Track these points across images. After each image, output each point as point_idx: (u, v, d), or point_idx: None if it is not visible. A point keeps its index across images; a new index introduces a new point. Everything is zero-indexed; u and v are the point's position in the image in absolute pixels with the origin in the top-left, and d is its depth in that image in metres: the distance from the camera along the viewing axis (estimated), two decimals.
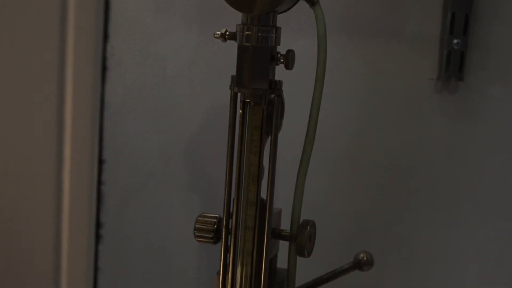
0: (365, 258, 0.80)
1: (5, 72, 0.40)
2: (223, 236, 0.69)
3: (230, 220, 0.69)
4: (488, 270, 0.99)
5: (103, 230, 0.37)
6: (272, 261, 0.72)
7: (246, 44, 0.66)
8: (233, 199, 0.69)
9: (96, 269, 0.37)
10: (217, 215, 0.71)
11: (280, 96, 0.67)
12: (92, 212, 0.37)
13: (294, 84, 0.72)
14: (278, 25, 0.66)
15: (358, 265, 0.80)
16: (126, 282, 0.92)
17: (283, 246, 0.73)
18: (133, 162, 0.92)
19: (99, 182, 0.35)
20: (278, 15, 0.67)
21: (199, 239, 0.71)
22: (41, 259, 0.38)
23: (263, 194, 0.69)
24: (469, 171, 0.96)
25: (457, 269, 0.98)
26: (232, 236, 0.69)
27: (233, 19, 0.66)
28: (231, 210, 0.69)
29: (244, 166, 0.68)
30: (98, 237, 0.36)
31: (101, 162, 0.35)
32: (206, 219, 0.71)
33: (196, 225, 0.71)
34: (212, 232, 0.71)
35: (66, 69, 0.38)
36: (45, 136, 0.37)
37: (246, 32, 0.65)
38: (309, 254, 0.71)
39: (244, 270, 0.69)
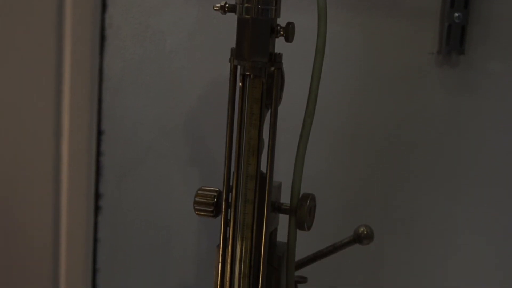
0: (365, 232, 0.80)
1: (2, 43, 0.40)
2: (223, 210, 0.69)
3: (230, 194, 0.69)
4: (487, 243, 0.99)
5: (102, 201, 0.37)
6: (272, 235, 0.72)
7: (246, 16, 0.65)
8: (233, 172, 0.69)
9: (95, 240, 0.37)
10: (217, 189, 0.71)
11: (280, 69, 0.67)
12: (91, 183, 0.37)
13: (294, 57, 0.72)
14: None
15: (358, 239, 0.81)
16: (125, 254, 0.92)
17: (283, 220, 0.73)
18: (133, 135, 0.92)
19: (98, 153, 0.35)
20: None
21: (198, 212, 0.71)
22: (40, 230, 0.38)
23: (263, 168, 0.68)
24: (469, 145, 0.96)
25: (457, 242, 0.98)
26: (232, 209, 0.69)
27: None
28: (231, 184, 0.69)
29: (243, 140, 0.68)
30: (97, 208, 0.36)
31: (99, 133, 0.35)
32: (205, 192, 0.71)
33: (196, 199, 0.71)
34: (212, 205, 0.70)
35: (64, 38, 0.38)
36: (43, 105, 0.37)
37: (246, 4, 0.65)
38: (309, 228, 0.71)
39: (244, 244, 0.69)
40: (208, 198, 0.71)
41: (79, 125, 0.34)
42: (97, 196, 0.37)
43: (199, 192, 0.71)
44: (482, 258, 0.99)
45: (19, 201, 0.37)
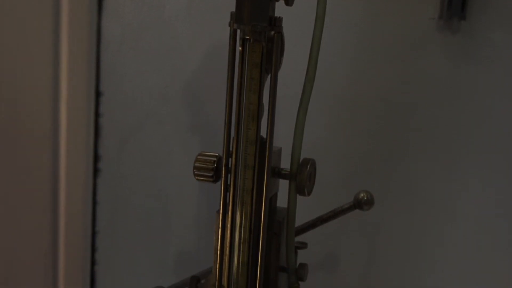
0: (365, 198, 0.80)
1: None
2: (223, 175, 0.69)
3: (230, 159, 0.69)
4: (486, 209, 0.99)
5: (101, 163, 0.37)
6: (272, 200, 0.72)
7: None
8: (233, 137, 0.68)
9: (94, 203, 0.36)
10: (217, 154, 0.71)
11: (280, 33, 0.66)
12: (90, 145, 0.37)
13: (294, 22, 0.71)
14: None
15: (358, 204, 0.81)
16: (124, 217, 0.92)
17: (283, 185, 0.73)
18: (132, 100, 0.91)
19: (97, 115, 0.34)
20: None
21: (198, 177, 0.71)
22: (38, 191, 0.38)
23: (263, 133, 0.68)
24: (469, 112, 0.96)
25: (455, 209, 0.99)
26: (232, 174, 0.69)
27: None
28: (230, 149, 0.69)
29: (243, 105, 0.68)
30: (96, 170, 0.36)
31: (98, 94, 0.35)
32: (205, 157, 0.71)
33: (196, 164, 0.71)
34: (212, 170, 0.70)
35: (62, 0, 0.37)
36: (40, 65, 0.37)
37: None
38: (309, 193, 0.71)
39: (243, 209, 0.69)
40: (207, 163, 0.71)
41: (77, 86, 0.34)
42: (96, 158, 0.36)
43: (198, 157, 0.71)
44: (481, 224, 0.99)
45: (18, 162, 0.37)
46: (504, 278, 1.01)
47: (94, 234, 0.37)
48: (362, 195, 0.80)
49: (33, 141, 0.34)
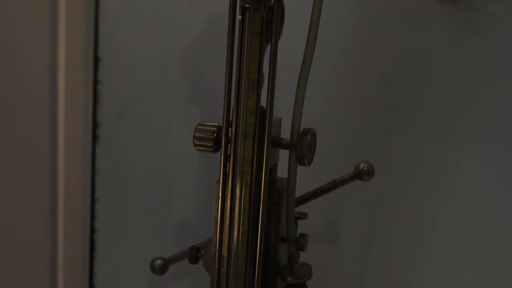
0: (365, 168, 0.80)
1: None
2: (223, 145, 0.69)
3: (230, 129, 0.69)
4: (487, 184, 0.99)
5: (100, 130, 0.37)
6: (272, 170, 0.72)
7: None
8: (233, 107, 0.68)
9: (93, 170, 0.36)
10: (217, 124, 0.71)
11: (280, 1, 0.66)
12: (89, 110, 0.36)
13: None
14: None
15: (359, 175, 0.81)
16: (124, 186, 0.92)
17: (283, 157, 0.73)
18: (131, 70, 0.91)
19: (95, 81, 0.34)
20: None
21: (198, 147, 0.71)
22: (37, 160, 0.38)
23: (263, 103, 0.68)
24: (471, 83, 0.95)
25: (456, 184, 0.99)
26: (232, 144, 0.69)
27: None
28: (230, 119, 0.69)
29: (243, 74, 0.67)
30: (95, 137, 0.36)
31: (96, 60, 0.34)
32: (205, 127, 0.71)
33: (196, 134, 0.71)
34: (212, 140, 0.70)
35: None
36: (38, 29, 0.36)
37: None
38: (309, 163, 0.71)
39: (244, 179, 0.69)
40: (207, 133, 0.71)
41: (76, 51, 0.33)
42: (95, 125, 0.36)
43: (198, 127, 0.71)
44: (480, 197, 0.99)
45: (16, 128, 0.37)
46: (502, 248, 1.01)
47: (93, 201, 0.37)
48: (362, 165, 0.80)
49: (31, 107, 0.34)
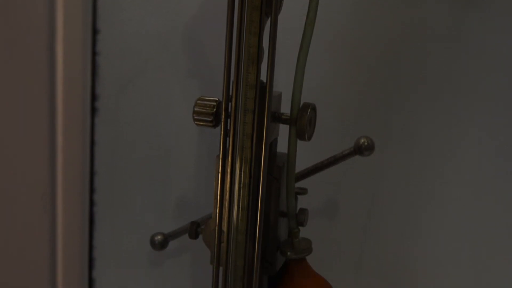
0: (366, 143, 0.80)
1: None
2: (222, 119, 0.69)
3: (230, 103, 0.69)
4: (489, 160, 0.99)
5: (99, 103, 0.36)
6: (272, 145, 0.72)
7: None
8: (233, 82, 0.68)
9: (92, 143, 0.36)
10: (217, 98, 0.71)
11: None
12: (87, 83, 0.36)
13: None
14: None
15: (359, 150, 0.81)
16: (123, 159, 0.92)
17: (283, 132, 0.72)
18: (130, 46, 0.90)
19: (94, 53, 0.34)
20: None
21: (198, 122, 0.71)
22: (36, 132, 0.37)
23: (263, 77, 0.68)
24: (474, 57, 0.95)
25: (457, 160, 0.98)
26: (232, 119, 0.68)
27: None
28: (230, 93, 0.69)
29: (243, 48, 0.67)
30: (93, 109, 0.35)
31: (95, 32, 0.34)
32: (205, 102, 0.71)
33: (195, 109, 0.71)
34: (212, 115, 0.70)
35: None
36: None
37: None
38: (309, 138, 0.70)
39: (243, 154, 0.69)
40: (207, 108, 0.70)
41: (73, 22, 0.33)
42: (94, 97, 0.36)
43: (198, 102, 0.71)
44: (483, 172, 0.99)
45: (14, 100, 0.36)
46: (502, 223, 1.01)
47: (92, 174, 0.37)
48: (362, 140, 0.80)
49: (29, 77, 0.34)
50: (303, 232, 0.74)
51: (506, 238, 1.01)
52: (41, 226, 0.40)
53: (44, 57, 0.33)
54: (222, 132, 0.69)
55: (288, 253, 0.73)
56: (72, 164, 0.37)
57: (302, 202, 0.78)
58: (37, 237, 0.40)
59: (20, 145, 0.36)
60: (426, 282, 1.01)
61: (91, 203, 0.38)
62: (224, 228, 0.71)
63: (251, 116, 0.68)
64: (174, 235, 0.89)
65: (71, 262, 0.41)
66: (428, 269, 1.01)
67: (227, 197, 0.70)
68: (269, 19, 0.67)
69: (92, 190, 0.38)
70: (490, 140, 0.98)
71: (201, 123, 0.71)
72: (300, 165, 0.77)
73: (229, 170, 0.69)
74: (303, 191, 0.81)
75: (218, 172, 0.70)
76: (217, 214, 0.70)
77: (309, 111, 0.69)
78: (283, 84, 0.73)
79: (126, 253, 0.95)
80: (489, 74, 0.96)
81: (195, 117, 0.71)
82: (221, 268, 0.71)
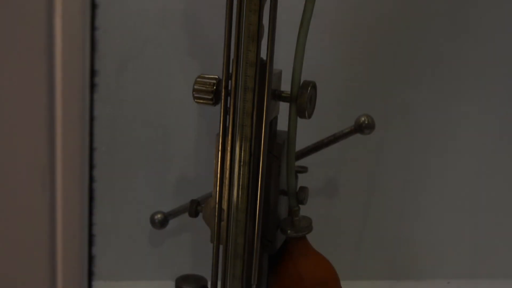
0: (366, 122, 0.80)
1: None
2: (223, 97, 0.69)
3: (230, 81, 0.68)
4: (489, 139, 0.99)
5: (98, 78, 0.36)
6: (272, 123, 0.72)
7: None
8: (233, 59, 0.68)
9: (91, 118, 0.36)
10: (216, 76, 0.70)
11: None
12: (86, 57, 0.36)
13: None
14: None
15: (359, 128, 0.80)
16: (123, 135, 0.92)
17: (283, 110, 0.72)
18: (130, 25, 0.90)
19: (93, 28, 0.33)
20: None
21: (198, 100, 0.71)
22: (34, 106, 0.37)
23: (263, 55, 0.67)
24: (474, 35, 0.95)
25: (457, 138, 0.98)
26: (232, 97, 0.68)
27: None
28: (230, 71, 0.68)
29: (243, 26, 0.66)
30: (92, 85, 0.35)
31: (94, 6, 0.34)
32: (205, 80, 0.70)
33: (195, 86, 0.70)
34: (211, 93, 0.70)
35: None
36: None
37: None
38: (309, 115, 0.70)
39: (244, 132, 0.68)
40: (207, 86, 0.70)
41: None
42: (92, 72, 0.36)
43: (198, 79, 0.71)
44: (482, 150, 0.99)
45: (12, 75, 0.36)
46: (501, 201, 1.01)
47: (91, 150, 0.37)
48: (363, 119, 0.80)
49: (27, 51, 0.33)
50: (304, 210, 0.74)
51: (506, 216, 1.01)
52: (41, 202, 0.40)
53: (42, 31, 0.33)
54: (222, 110, 0.69)
55: (288, 231, 0.73)
56: (71, 139, 0.36)
57: (302, 180, 0.77)
58: (36, 214, 0.40)
59: (18, 121, 0.36)
60: (425, 258, 1.02)
61: (91, 179, 0.38)
62: (224, 206, 0.71)
63: (251, 94, 0.67)
64: (174, 213, 0.89)
65: (70, 239, 0.41)
66: (428, 246, 1.01)
67: (227, 175, 0.70)
68: None
69: (91, 166, 0.38)
70: (491, 119, 0.98)
71: (201, 101, 0.70)
72: (300, 144, 0.77)
73: (229, 148, 0.69)
74: (303, 170, 0.81)
75: (218, 150, 0.70)
76: (217, 193, 0.70)
77: (309, 89, 0.69)
78: (283, 62, 0.72)
79: (127, 230, 0.95)
80: (490, 52, 0.96)
81: (195, 95, 0.71)
82: (221, 247, 0.71)
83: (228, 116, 0.68)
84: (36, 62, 0.36)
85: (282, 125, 0.73)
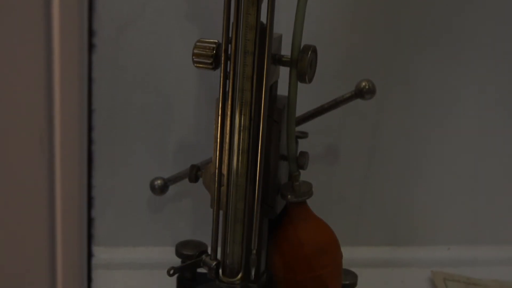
0: (367, 87, 0.80)
1: None
2: (222, 62, 0.68)
3: (229, 45, 0.68)
4: (487, 112, 0.98)
5: (96, 39, 0.35)
6: (272, 88, 0.71)
7: None
8: (232, 23, 0.67)
9: (90, 80, 0.36)
10: (216, 40, 0.70)
11: None
12: (84, 16, 0.35)
13: None
14: None
15: (360, 93, 0.80)
16: (121, 97, 0.91)
17: (284, 75, 0.72)
18: None
19: None
20: None
21: (197, 65, 0.70)
22: (32, 70, 0.37)
23: (263, 18, 0.67)
24: (474, 9, 0.94)
25: (457, 108, 0.98)
26: (232, 61, 0.67)
27: None
28: (230, 35, 0.67)
29: None
30: (91, 45, 0.35)
31: None
32: (204, 44, 0.70)
33: (195, 51, 0.70)
34: (211, 57, 0.69)
35: None
36: None
37: None
38: (310, 80, 0.69)
39: (244, 96, 0.68)
40: (207, 50, 0.69)
41: None
42: (91, 33, 0.35)
43: (197, 44, 0.70)
44: (481, 120, 0.99)
45: (9, 41, 0.36)
46: (502, 167, 1.01)
47: (90, 112, 0.37)
48: (363, 84, 0.79)
49: (24, 12, 0.33)
50: (304, 177, 0.74)
51: (507, 181, 1.01)
52: (39, 164, 0.39)
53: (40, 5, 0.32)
54: (222, 75, 0.68)
55: (289, 196, 0.73)
56: (69, 100, 0.36)
57: (303, 146, 0.77)
58: (35, 175, 0.39)
59: (15, 82, 0.35)
60: (426, 224, 1.02)
61: (90, 141, 0.38)
62: (224, 171, 0.70)
63: (251, 58, 0.67)
64: (174, 179, 0.89)
65: (69, 201, 0.41)
66: (428, 212, 1.01)
67: (227, 140, 0.70)
68: None
69: (90, 128, 0.37)
70: (491, 89, 0.98)
71: (201, 65, 0.70)
72: (301, 109, 0.76)
73: (229, 113, 0.69)
74: (304, 135, 0.80)
75: (218, 115, 0.69)
76: (217, 158, 0.70)
77: (310, 53, 0.68)
78: (283, 25, 0.72)
79: (126, 194, 0.95)
80: (491, 24, 0.95)
81: (195, 59, 0.70)
82: (221, 212, 0.71)
83: (228, 81, 0.68)
84: (33, 20, 0.36)
85: (283, 90, 0.72)
